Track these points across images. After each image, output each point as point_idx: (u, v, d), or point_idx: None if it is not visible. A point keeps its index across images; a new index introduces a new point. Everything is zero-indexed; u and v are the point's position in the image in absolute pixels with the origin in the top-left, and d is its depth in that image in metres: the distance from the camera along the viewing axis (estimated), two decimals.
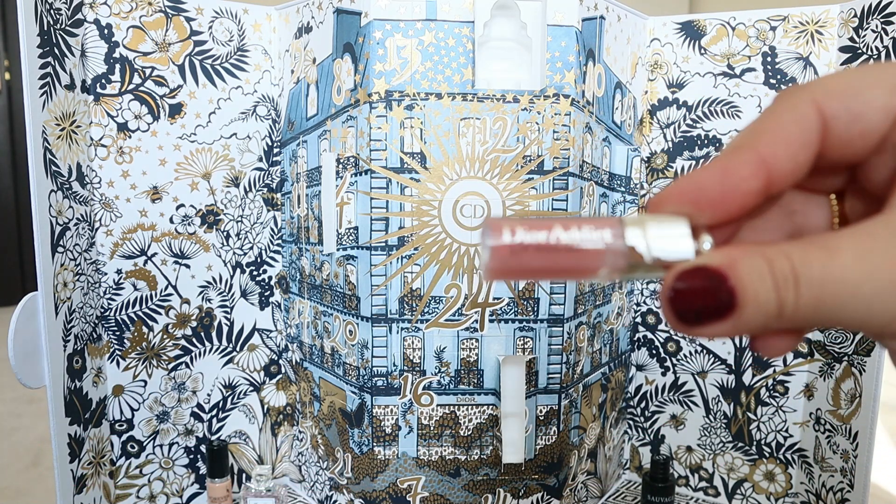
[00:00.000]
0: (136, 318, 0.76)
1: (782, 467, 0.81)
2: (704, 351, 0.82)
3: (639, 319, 0.86)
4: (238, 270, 0.82)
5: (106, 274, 0.74)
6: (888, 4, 0.66)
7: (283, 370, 0.86)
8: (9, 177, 2.82)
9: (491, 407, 0.70)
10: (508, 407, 0.69)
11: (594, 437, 0.80)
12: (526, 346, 0.69)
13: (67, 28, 0.66)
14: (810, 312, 0.19)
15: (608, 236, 0.21)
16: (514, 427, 0.70)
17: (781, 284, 0.19)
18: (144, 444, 0.79)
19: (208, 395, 0.82)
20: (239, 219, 0.81)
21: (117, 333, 0.76)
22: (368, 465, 0.72)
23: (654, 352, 0.86)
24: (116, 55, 0.72)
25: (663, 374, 0.85)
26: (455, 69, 0.65)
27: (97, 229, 0.73)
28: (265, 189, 0.82)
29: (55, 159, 0.63)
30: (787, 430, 0.80)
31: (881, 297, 0.19)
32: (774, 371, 0.79)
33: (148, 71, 0.73)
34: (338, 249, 0.71)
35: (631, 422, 0.89)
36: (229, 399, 0.84)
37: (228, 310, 0.82)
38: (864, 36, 0.69)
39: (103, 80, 0.71)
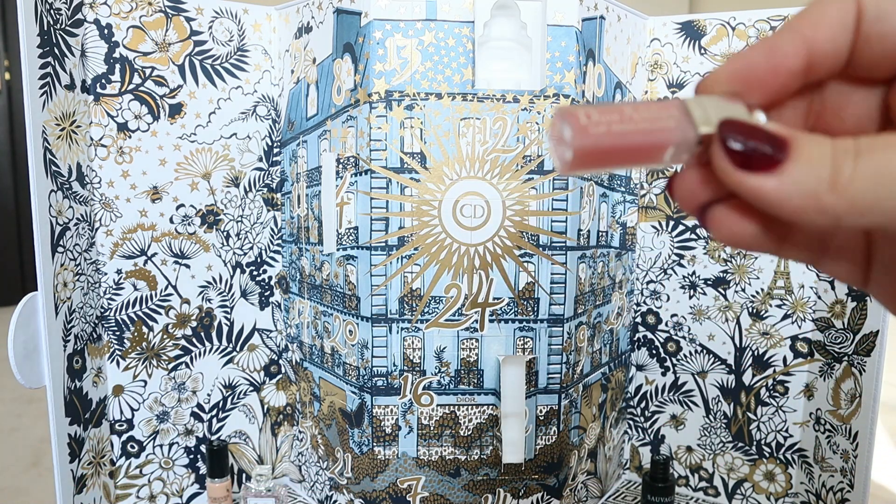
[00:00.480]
0: (136, 318, 0.76)
1: (782, 467, 0.81)
2: (704, 351, 0.82)
3: (639, 319, 0.86)
4: (238, 270, 0.82)
5: (106, 274, 0.74)
6: None
7: (283, 370, 0.86)
8: (9, 177, 2.82)
9: (491, 407, 0.70)
10: (508, 407, 0.69)
11: (594, 437, 0.80)
12: (526, 346, 0.69)
13: (67, 28, 0.66)
14: (864, 191, 0.18)
15: (675, 112, 0.21)
16: (514, 427, 0.70)
17: (840, 154, 0.18)
18: (144, 444, 0.79)
19: (208, 395, 0.82)
20: (239, 219, 0.81)
21: (117, 333, 0.76)
22: (368, 465, 0.72)
23: (654, 352, 0.86)
24: (116, 55, 0.72)
25: (663, 374, 0.85)
26: (455, 69, 0.65)
27: (97, 229, 0.73)
28: (265, 189, 0.82)
29: (55, 159, 0.63)
30: (787, 430, 0.80)
31: None
32: (774, 371, 0.79)
33: (148, 71, 0.73)
34: (338, 249, 0.71)
35: (631, 422, 0.89)
36: (229, 399, 0.84)
37: (228, 310, 0.82)
38: None
39: (103, 80, 0.71)
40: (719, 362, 0.82)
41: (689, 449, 0.86)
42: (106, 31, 0.71)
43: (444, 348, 0.69)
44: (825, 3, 0.22)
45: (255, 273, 0.83)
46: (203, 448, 0.82)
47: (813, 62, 0.22)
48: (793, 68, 0.22)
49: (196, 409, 0.82)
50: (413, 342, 0.69)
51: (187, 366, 0.80)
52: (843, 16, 0.21)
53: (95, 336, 0.73)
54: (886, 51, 0.21)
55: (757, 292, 0.79)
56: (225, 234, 0.80)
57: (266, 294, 0.84)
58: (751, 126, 0.20)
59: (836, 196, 0.18)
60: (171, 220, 0.77)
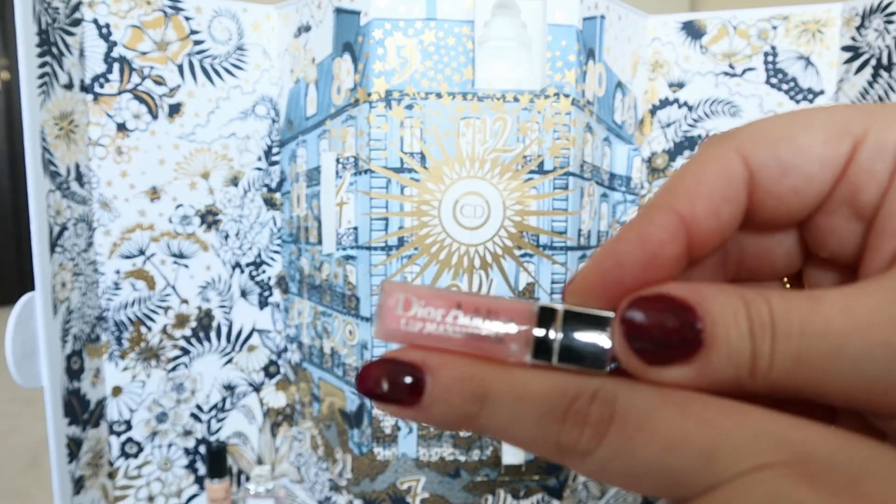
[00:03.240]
0: (134, 319, 0.76)
1: None
2: None
3: None
4: (237, 270, 0.82)
5: (104, 274, 0.74)
6: (890, 3, 0.65)
7: (282, 371, 0.86)
8: (7, 176, 2.81)
9: None
10: None
11: None
12: None
13: (65, 27, 0.66)
14: (787, 371, 0.16)
15: (513, 329, 0.18)
16: None
17: (758, 332, 0.16)
18: (143, 445, 0.79)
19: (207, 395, 0.82)
20: (238, 219, 0.81)
21: (116, 334, 0.75)
22: (368, 466, 0.71)
23: None
24: (115, 54, 0.71)
25: None
26: (455, 69, 0.65)
27: (95, 229, 0.73)
28: (264, 189, 0.82)
29: (53, 159, 0.63)
30: None
31: (873, 358, 0.15)
32: None
33: (147, 70, 0.73)
34: (337, 249, 0.71)
35: None
36: (228, 400, 0.83)
37: (227, 310, 0.82)
38: (866, 35, 0.68)
39: (102, 80, 0.71)
40: None
41: None
42: (104, 31, 0.70)
43: None
44: (700, 167, 0.19)
45: (254, 273, 0.83)
46: (202, 449, 0.82)
47: (696, 240, 0.19)
48: (672, 255, 0.18)
49: (195, 410, 0.81)
50: None
51: (186, 366, 0.80)
52: (724, 185, 0.18)
53: (94, 336, 0.73)
54: (804, 201, 0.19)
55: None
56: (224, 234, 0.80)
57: (265, 294, 0.84)
58: (658, 315, 0.17)
59: (758, 381, 0.16)
60: (170, 220, 0.77)
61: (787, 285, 0.22)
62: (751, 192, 0.19)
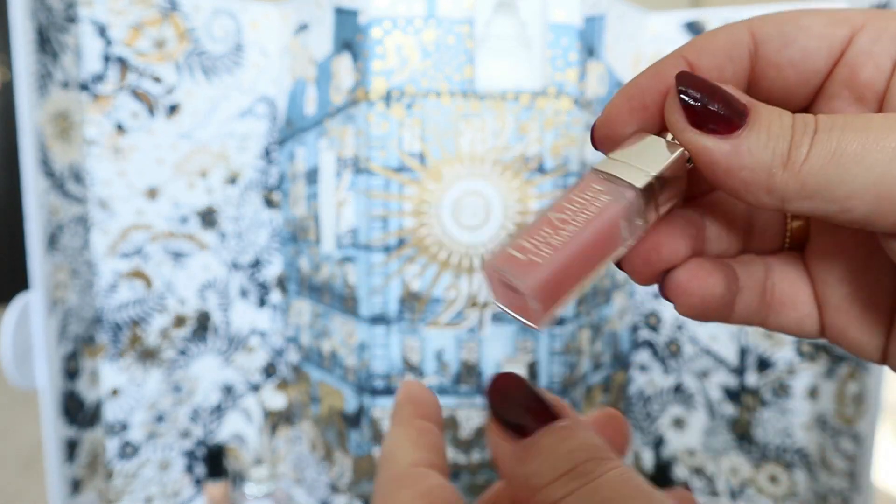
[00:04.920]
0: (132, 319, 0.76)
1: (786, 470, 0.80)
2: (707, 352, 0.82)
3: (640, 320, 0.85)
4: (236, 271, 0.81)
5: (102, 274, 0.73)
6: (889, 4, 0.65)
7: (281, 371, 0.86)
8: (3, 176, 2.80)
9: None
10: None
11: None
12: (526, 348, 0.68)
13: (62, 26, 0.65)
14: (820, 166, 0.17)
15: (600, 186, 0.19)
16: None
17: (800, 129, 0.17)
18: (141, 446, 0.78)
19: (206, 396, 0.81)
20: (236, 218, 0.80)
21: (113, 334, 0.75)
22: (367, 468, 0.71)
23: (655, 353, 0.85)
24: (112, 53, 0.71)
25: (665, 375, 0.85)
26: (455, 67, 0.65)
27: (92, 229, 0.72)
28: (263, 188, 0.81)
29: (50, 158, 0.63)
30: (790, 433, 0.79)
31: None
32: (778, 373, 0.79)
33: (144, 69, 0.73)
34: (336, 250, 0.70)
35: (632, 423, 0.88)
36: (227, 400, 0.83)
37: (226, 310, 0.81)
38: None
39: (98, 79, 0.71)
40: (722, 364, 0.81)
41: (691, 451, 0.85)
42: (101, 29, 0.70)
43: (444, 350, 0.68)
44: (714, 31, 0.21)
45: (253, 273, 0.82)
46: (200, 450, 0.82)
47: None
48: None
49: (193, 411, 0.81)
50: (412, 343, 0.68)
51: (184, 367, 0.80)
52: (730, 47, 0.20)
53: (91, 337, 0.72)
54: (801, 75, 0.20)
55: None
56: (222, 233, 0.80)
57: (264, 295, 0.83)
58: (710, 84, 0.18)
59: (787, 174, 0.17)
60: (168, 220, 0.76)
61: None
62: (753, 61, 0.20)
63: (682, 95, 0.18)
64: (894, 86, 0.19)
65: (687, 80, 0.19)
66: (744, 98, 0.18)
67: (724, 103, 0.18)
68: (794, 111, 0.20)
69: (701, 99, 0.18)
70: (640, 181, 0.19)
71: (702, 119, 0.18)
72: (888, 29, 0.19)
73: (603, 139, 0.22)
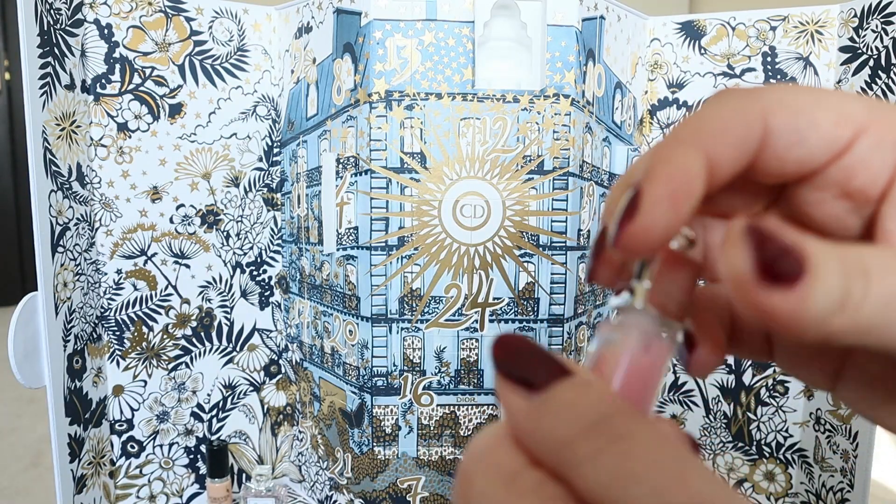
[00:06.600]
0: (136, 318, 0.76)
1: (782, 467, 0.81)
2: None
3: None
4: (238, 270, 0.82)
5: (106, 274, 0.74)
6: (888, 4, 0.66)
7: (283, 370, 0.86)
8: (9, 177, 2.82)
9: (491, 407, 0.70)
10: None
11: None
12: None
13: (67, 28, 0.66)
14: (875, 311, 0.17)
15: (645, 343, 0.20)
16: None
17: (851, 271, 0.17)
18: (144, 444, 0.79)
19: (208, 395, 0.82)
20: (239, 219, 0.81)
21: (117, 333, 0.76)
22: (368, 465, 0.72)
23: None
24: (116, 55, 0.72)
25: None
26: (455, 69, 0.65)
27: (97, 229, 0.73)
28: (265, 189, 0.82)
29: (55, 159, 0.63)
30: (787, 430, 0.80)
31: None
32: (775, 371, 0.79)
33: (148, 71, 0.73)
34: (338, 249, 0.71)
35: None
36: (229, 399, 0.84)
37: (228, 310, 0.82)
38: (864, 36, 0.69)
39: (103, 80, 0.71)
40: None
41: None
42: (106, 31, 0.71)
43: (444, 348, 0.69)
44: (728, 114, 0.19)
45: (255, 273, 0.83)
46: (203, 448, 0.82)
47: (713, 184, 0.20)
48: (700, 190, 0.19)
49: (196, 409, 0.82)
50: (413, 342, 0.69)
51: (187, 366, 0.80)
52: (744, 138, 0.19)
53: (95, 336, 0.73)
54: (801, 169, 0.20)
55: None
56: (225, 234, 0.80)
57: (266, 294, 0.84)
58: (771, 233, 0.17)
59: (843, 318, 0.17)
60: (171, 220, 0.77)
61: None
62: (761, 148, 0.20)
63: (758, 254, 0.17)
64: (892, 199, 0.19)
65: (756, 235, 0.17)
66: (799, 244, 0.17)
67: (785, 256, 0.17)
68: (776, 185, 0.21)
69: (771, 254, 0.17)
70: (665, 332, 0.20)
71: (769, 275, 0.17)
72: (888, 137, 0.19)
73: (642, 244, 0.20)
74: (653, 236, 0.18)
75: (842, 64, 0.72)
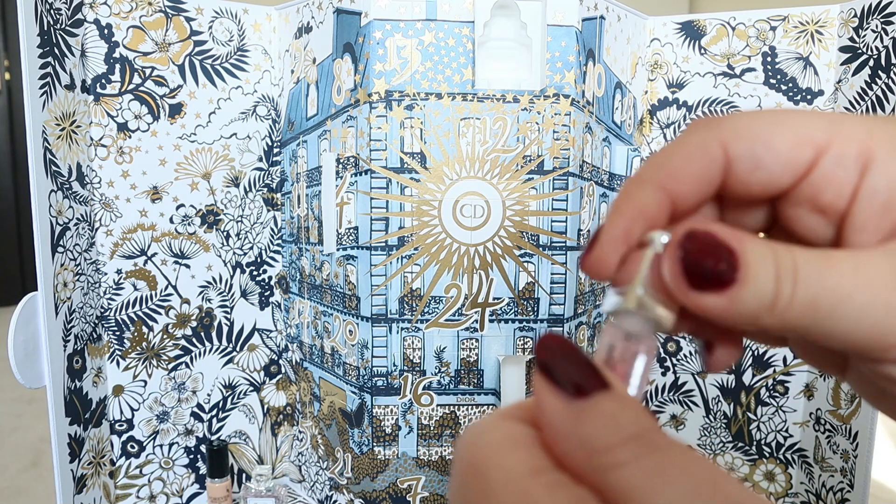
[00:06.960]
0: (136, 318, 0.76)
1: (782, 467, 0.81)
2: None
3: None
4: (238, 270, 0.82)
5: (106, 274, 0.74)
6: (888, 4, 0.66)
7: (283, 370, 0.86)
8: (9, 177, 2.82)
9: (491, 407, 0.70)
10: None
11: None
12: (526, 346, 0.69)
13: (67, 28, 0.66)
14: (802, 312, 0.19)
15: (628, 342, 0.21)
16: None
17: (782, 275, 0.19)
18: (144, 444, 0.79)
19: (208, 395, 0.82)
20: (239, 219, 0.81)
21: (117, 333, 0.76)
22: (368, 465, 0.72)
23: None
24: (116, 55, 0.72)
25: (663, 374, 0.85)
26: (455, 69, 0.65)
27: (97, 229, 0.73)
28: (265, 189, 0.82)
29: (55, 159, 0.63)
30: (787, 430, 0.80)
31: (873, 312, 0.18)
32: (774, 371, 0.79)
33: (148, 71, 0.73)
34: (338, 249, 0.71)
35: None
36: (229, 399, 0.84)
37: (228, 310, 0.82)
38: (864, 36, 0.69)
39: (103, 80, 0.71)
40: None
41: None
42: (106, 31, 0.71)
43: (444, 348, 0.69)
44: (687, 149, 0.22)
45: (255, 273, 0.83)
46: (203, 448, 0.82)
47: (676, 216, 0.22)
48: (663, 224, 0.22)
49: (196, 410, 0.82)
50: (413, 342, 0.69)
51: (187, 366, 0.80)
52: (705, 170, 0.21)
53: (95, 336, 0.73)
54: (766, 191, 0.22)
55: None
56: (225, 234, 0.80)
57: (266, 294, 0.84)
58: (709, 239, 0.19)
59: (773, 318, 0.19)
60: (171, 220, 0.77)
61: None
62: (725, 175, 0.22)
63: (684, 264, 0.20)
64: (855, 213, 0.20)
65: (688, 242, 0.20)
66: (734, 242, 0.19)
67: (717, 265, 0.19)
68: (756, 205, 0.23)
69: (700, 265, 0.19)
70: (667, 324, 0.22)
71: (699, 284, 0.19)
72: (849, 154, 0.20)
73: (596, 273, 0.23)
74: (606, 266, 0.22)
75: (842, 64, 0.72)
